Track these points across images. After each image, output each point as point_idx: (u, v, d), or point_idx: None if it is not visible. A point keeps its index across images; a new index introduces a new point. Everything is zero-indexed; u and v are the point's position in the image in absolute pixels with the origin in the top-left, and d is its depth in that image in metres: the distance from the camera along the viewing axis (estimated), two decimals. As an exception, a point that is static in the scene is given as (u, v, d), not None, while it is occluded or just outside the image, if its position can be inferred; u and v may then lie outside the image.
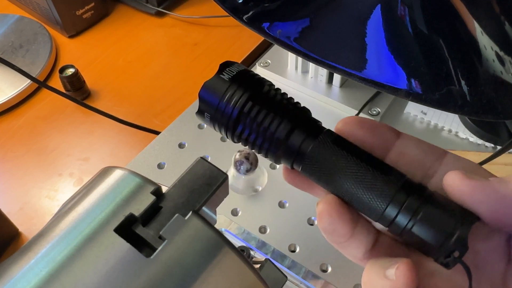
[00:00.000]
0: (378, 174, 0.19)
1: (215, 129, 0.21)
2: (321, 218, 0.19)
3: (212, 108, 0.21)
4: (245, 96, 0.20)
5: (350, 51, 0.20)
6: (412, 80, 0.20)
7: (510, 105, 0.21)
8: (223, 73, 0.21)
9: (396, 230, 0.18)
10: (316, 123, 0.21)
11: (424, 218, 0.18)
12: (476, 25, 0.21)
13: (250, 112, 0.20)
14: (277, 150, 0.20)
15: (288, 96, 0.21)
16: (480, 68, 0.21)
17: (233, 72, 0.21)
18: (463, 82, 0.20)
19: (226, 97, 0.20)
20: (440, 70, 0.20)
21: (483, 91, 0.20)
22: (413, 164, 0.20)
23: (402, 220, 0.18)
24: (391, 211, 0.18)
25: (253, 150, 0.22)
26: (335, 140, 0.20)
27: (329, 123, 0.21)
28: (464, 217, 0.17)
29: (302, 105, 0.21)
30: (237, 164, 0.42)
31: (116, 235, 0.17)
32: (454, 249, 0.17)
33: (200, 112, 0.21)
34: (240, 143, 0.21)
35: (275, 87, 0.21)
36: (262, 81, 0.21)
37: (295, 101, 0.21)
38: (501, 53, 0.21)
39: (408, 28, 0.20)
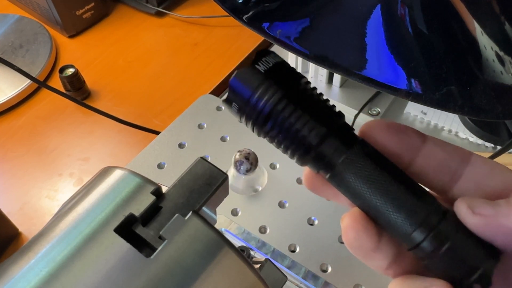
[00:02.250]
0: (410, 194, 0.18)
1: (240, 121, 0.20)
2: (346, 233, 0.19)
3: (242, 100, 0.19)
4: (280, 92, 0.19)
5: (350, 51, 0.20)
6: (412, 80, 0.20)
7: (510, 105, 0.21)
8: (259, 63, 0.19)
9: (420, 254, 0.18)
10: (350, 131, 0.19)
11: (452, 248, 0.17)
12: (476, 25, 0.21)
13: (284, 110, 0.19)
14: (306, 155, 0.19)
15: (324, 98, 0.20)
16: (480, 68, 0.21)
17: (269, 64, 0.19)
18: (463, 82, 0.20)
19: (259, 91, 0.19)
20: (440, 70, 0.20)
21: (483, 91, 0.20)
22: (440, 169, 0.19)
23: (428, 246, 0.17)
24: (418, 236, 0.17)
25: (278, 149, 0.20)
26: (370, 152, 0.19)
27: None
28: (491, 250, 0.17)
29: (337, 109, 0.20)
30: (237, 164, 0.42)
31: (116, 235, 0.17)
32: (477, 283, 0.17)
33: (227, 101, 0.20)
34: (264, 138, 0.20)
35: (311, 84, 0.20)
36: (298, 77, 0.20)
37: (331, 104, 0.20)
38: (501, 53, 0.21)
39: (408, 28, 0.20)
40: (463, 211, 0.17)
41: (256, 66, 0.19)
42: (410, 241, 0.18)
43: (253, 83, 0.19)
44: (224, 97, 0.20)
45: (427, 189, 0.19)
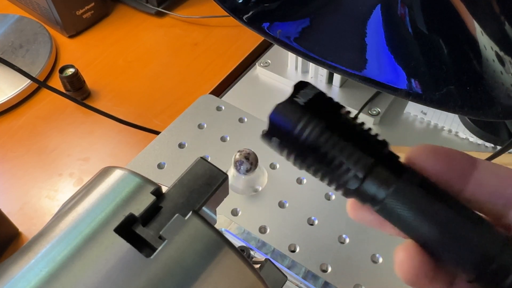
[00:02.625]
0: (468, 224, 0.17)
1: (281, 154, 0.20)
2: (402, 268, 0.18)
3: (283, 134, 0.19)
4: (322, 124, 0.18)
5: (350, 51, 0.20)
6: (412, 80, 0.20)
7: (510, 105, 0.21)
8: (297, 96, 0.19)
9: (482, 285, 0.17)
10: (397, 160, 0.19)
11: None
12: (476, 25, 0.21)
13: (327, 142, 0.18)
14: (351, 188, 0.18)
15: (366, 127, 0.19)
16: (480, 68, 0.21)
17: (309, 96, 0.19)
18: (463, 82, 0.20)
19: (301, 124, 0.18)
20: (440, 70, 0.20)
21: (483, 91, 0.20)
22: (494, 195, 0.18)
23: (491, 278, 0.17)
24: (480, 267, 0.17)
25: (322, 181, 0.20)
26: (420, 181, 0.18)
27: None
28: None
29: (381, 137, 0.19)
30: (237, 164, 0.42)
31: (116, 235, 0.17)
32: None
33: (267, 136, 0.19)
34: (307, 171, 0.20)
35: (350, 113, 0.19)
36: (338, 107, 0.19)
37: (373, 132, 0.19)
38: (501, 53, 0.21)
39: (408, 28, 0.20)
40: None
41: (295, 99, 0.19)
42: (471, 273, 0.17)
43: (293, 116, 0.18)
44: (263, 131, 0.19)
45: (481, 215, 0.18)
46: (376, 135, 0.19)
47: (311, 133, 0.18)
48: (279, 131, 0.19)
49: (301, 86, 0.19)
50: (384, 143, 0.19)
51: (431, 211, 0.17)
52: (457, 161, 0.19)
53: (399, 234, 0.19)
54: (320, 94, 0.19)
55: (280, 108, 0.19)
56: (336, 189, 0.19)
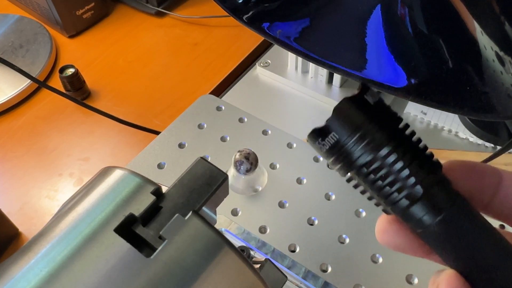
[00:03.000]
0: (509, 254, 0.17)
1: (327, 156, 0.18)
2: None
3: (345, 132, 0.17)
4: (385, 135, 0.17)
5: (350, 51, 0.20)
6: (412, 80, 0.20)
7: (510, 105, 0.21)
8: (367, 95, 0.18)
9: None
10: (450, 184, 0.18)
11: None
12: (476, 25, 0.21)
13: (387, 157, 0.17)
14: (400, 207, 0.18)
15: (423, 144, 0.18)
16: (480, 68, 0.21)
17: (375, 99, 0.18)
18: (463, 82, 0.20)
19: (367, 128, 0.17)
20: (440, 70, 0.20)
21: (483, 91, 0.20)
22: None
23: None
24: None
25: (364, 194, 0.19)
26: (471, 209, 0.17)
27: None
28: None
29: (434, 157, 0.18)
30: (237, 164, 0.42)
31: (116, 235, 0.17)
32: None
33: (323, 130, 0.18)
34: (355, 186, 0.19)
35: (409, 127, 0.18)
36: (399, 119, 0.18)
37: (429, 151, 0.18)
38: (501, 53, 0.21)
39: (408, 28, 0.20)
40: None
41: (366, 97, 0.18)
42: None
43: (361, 116, 0.17)
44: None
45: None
46: (432, 155, 0.18)
47: (370, 143, 0.17)
48: (338, 129, 0.17)
49: (365, 88, 0.18)
50: (439, 165, 0.18)
51: (481, 244, 0.17)
52: (487, 176, 0.18)
53: (436, 260, 0.19)
54: (382, 102, 0.18)
55: (346, 105, 0.17)
56: (379, 205, 0.18)
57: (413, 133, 0.18)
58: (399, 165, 0.17)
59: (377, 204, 0.19)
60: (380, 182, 0.18)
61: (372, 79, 0.20)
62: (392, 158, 0.17)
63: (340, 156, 0.18)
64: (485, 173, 0.19)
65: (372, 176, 0.18)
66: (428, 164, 0.18)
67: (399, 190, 0.17)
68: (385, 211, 0.19)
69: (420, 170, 0.17)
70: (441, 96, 0.20)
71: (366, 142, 0.17)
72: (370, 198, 0.19)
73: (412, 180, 0.17)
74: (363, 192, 0.19)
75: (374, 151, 0.17)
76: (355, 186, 0.19)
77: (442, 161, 0.18)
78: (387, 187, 0.18)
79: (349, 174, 0.18)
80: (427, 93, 0.20)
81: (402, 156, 0.17)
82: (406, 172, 0.17)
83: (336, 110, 0.18)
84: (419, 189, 0.17)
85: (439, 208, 0.17)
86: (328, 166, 0.47)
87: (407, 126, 0.18)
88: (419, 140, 0.18)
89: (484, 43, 0.21)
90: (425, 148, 0.18)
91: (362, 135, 0.17)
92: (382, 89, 0.20)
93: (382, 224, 0.19)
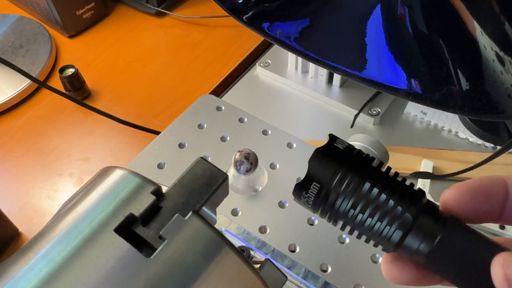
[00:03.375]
0: None
1: (313, 209, 0.19)
2: None
3: (322, 181, 0.18)
4: (361, 176, 0.18)
5: (350, 51, 0.20)
6: (412, 80, 0.20)
7: (510, 105, 0.21)
8: (336, 143, 0.19)
9: None
10: (437, 209, 0.18)
11: None
12: (476, 25, 0.21)
13: (368, 194, 0.18)
14: (394, 241, 0.18)
15: (400, 177, 0.19)
16: (480, 68, 0.21)
17: (344, 145, 0.19)
18: (463, 82, 0.20)
19: (341, 173, 0.18)
20: (440, 70, 0.20)
21: (483, 91, 0.20)
22: None
23: None
24: None
25: (360, 237, 0.19)
26: (464, 228, 0.18)
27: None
28: None
29: (416, 187, 0.19)
30: (237, 164, 0.42)
31: (116, 235, 0.17)
32: None
33: (303, 185, 0.18)
34: (346, 229, 0.19)
35: (383, 165, 0.19)
36: (371, 160, 0.19)
37: (408, 182, 0.19)
38: (501, 53, 0.21)
39: (408, 28, 0.20)
40: None
41: (335, 144, 0.18)
42: None
43: (334, 164, 0.18)
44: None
45: None
46: (412, 185, 0.19)
47: (350, 183, 0.18)
48: (318, 177, 0.18)
49: (333, 137, 0.19)
50: (422, 193, 0.18)
51: (481, 258, 0.17)
52: (493, 192, 0.18)
53: (447, 284, 0.18)
54: (352, 147, 0.19)
55: (320, 154, 0.18)
56: (377, 244, 0.19)
57: (388, 169, 0.19)
58: (382, 197, 0.18)
59: (375, 245, 0.19)
60: (370, 220, 0.18)
61: (372, 79, 0.20)
62: (374, 192, 0.18)
63: (326, 205, 0.18)
64: (491, 191, 0.18)
65: (361, 216, 0.18)
66: (410, 194, 0.18)
67: (390, 223, 0.18)
68: (384, 249, 0.19)
69: (404, 200, 0.18)
70: (441, 96, 0.20)
71: (346, 184, 0.18)
72: (367, 241, 0.19)
73: (399, 209, 0.18)
74: (359, 236, 0.19)
75: (356, 190, 0.18)
76: (351, 232, 0.19)
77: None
78: (378, 223, 0.18)
79: (341, 221, 0.19)
80: (427, 93, 0.20)
81: (383, 189, 0.18)
82: (391, 203, 0.18)
83: (312, 161, 0.18)
84: (408, 216, 0.18)
85: (433, 233, 0.17)
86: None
87: (381, 163, 0.19)
88: (396, 174, 0.19)
89: (484, 43, 0.21)
90: (403, 180, 0.19)
91: (341, 178, 0.18)
92: (383, 89, 0.20)
93: (386, 264, 0.19)
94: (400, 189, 0.18)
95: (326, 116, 0.59)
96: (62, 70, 0.61)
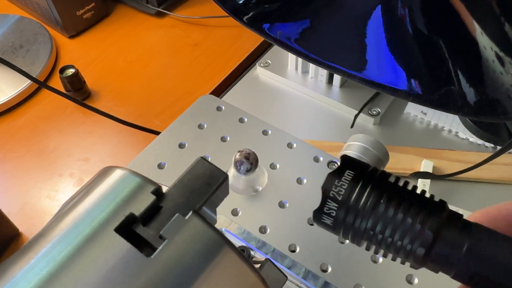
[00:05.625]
0: None
1: (337, 233, 0.19)
2: None
3: (340, 202, 0.18)
4: (375, 194, 0.17)
5: (350, 52, 0.20)
6: (412, 81, 0.20)
7: (510, 106, 0.21)
8: (348, 165, 0.18)
9: None
10: (462, 217, 0.18)
11: None
12: (476, 25, 0.21)
13: (386, 214, 0.17)
14: (420, 255, 0.17)
15: (419, 190, 0.18)
16: (480, 69, 0.21)
17: (359, 165, 0.18)
18: (463, 83, 0.20)
19: (358, 190, 0.18)
20: (440, 70, 0.20)
21: (483, 92, 0.20)
22: None
23: None
24: None
25: (386, 256, 0.19)
26: (491, 233, 0.17)
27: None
28: None
29: (435, 197, 0.18)
30: (237, 164, 0.42)
31: (117, 235, 0.17)
32: None
33: (321, 212, 0.18)
34: (370, 249, 0.19)
35: (400, 180, 0.19)
36: (388, 175, 0.18)
37: (428, 194, 0.18)
38: (501, 54, 0.21)
39: (408, 28, 0.20)
40: None
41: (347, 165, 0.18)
42: None
43: (351, 184, 0.18)
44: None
45: None
46: (432, 196, 0.18)
47: (366, 202, 0.17)
48: (335, 198, 0.18)
49: (346, 158, 0.19)
50: (443, 204, 0.18)
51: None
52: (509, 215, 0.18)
53: None
54: (366, 165, 0.19)
55: (333, 176, 0.18)
56: (404, 261, 0.18)
57: (406, 183, 0.18)
58: (400, 216, 0.17)
59: (402, 262, 0.19)
60: (391, 240, 0.18)
61: (372, 80, 0.20)
62: (391, 211, 0.17)
63: (346, 226, 0.18)
64: (510, 216, 0.18)
65: (380, 236, 0.18)
66: (430, 207, 0.18)
67: (411, 242, 0.17)
68: (412, 266, 0.19)
69: (423, 215, 0.17)
70: (441, 97, 0.20)
71: (362, 203, 0.18)
72: (394, 259, 0.19)
73: (418, 227, 0.17)
74: (385, 255, 0.19)
75: (373, 210, 0.17)
76: (376, 251, 0.19)
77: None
78: (399, 242, 0.18)
79: (364, 242, 0.18)
80: (427, 94, 0.20)
81: (400, 206, 0.17)
82: (409, 221, 0.17)
83: (325, 184, 0.18)
84: (428, 233, 0.17)
85: (459, 243, 0.17)
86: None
87: (398, 178, 0.18)
88: (415, 187, 0.18)
89: (484, 44, 0.21)
90: (423, 193, 0.18)
91: (356, 197, 0.18)
92: (383, 90, 0.20)
93: None
94: (419, 203, 0.18)
95: (326, 116, 0.59)
96: (62, 70, 0.61)
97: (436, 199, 0.18)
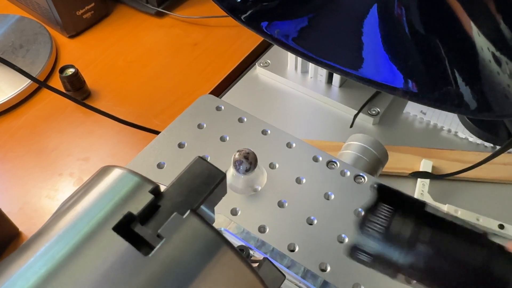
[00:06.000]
0: None
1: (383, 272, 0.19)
2: None
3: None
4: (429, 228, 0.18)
5: (347, 51, 0.20)
6: (409, 80, 0.20)
7: (506, 105, 0.21)
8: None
9: None
10: (493, 240, 0.18)
11: None
12: (473, 25, 0.21)
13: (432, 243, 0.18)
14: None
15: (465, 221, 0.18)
16: (477, 69, 0.21)
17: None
18: (459, 82, 0.20)
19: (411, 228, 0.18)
20: (436, 69, 0.20)
21: (479, 91, 0.20)
22: None
23: None
24: None
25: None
26: None
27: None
28: None
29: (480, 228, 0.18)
30: (236, 164, 0.42)
31: (115, 234, 0.17)
32: None
33: (355, 250, 0.18)
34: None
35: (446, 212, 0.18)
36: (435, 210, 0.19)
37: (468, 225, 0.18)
38: (498, 54, 0.21)
39: (405, 28, 0.20)
40: None
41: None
42: None
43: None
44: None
45: None
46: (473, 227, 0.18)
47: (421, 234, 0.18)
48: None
49: (381, 187, 0.19)
50: (486, 234, 0.18)
51: None
52: None
53: None
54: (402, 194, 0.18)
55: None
56: None
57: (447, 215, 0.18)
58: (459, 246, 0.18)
59: None
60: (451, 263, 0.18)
61: (369, 78, 0.20)
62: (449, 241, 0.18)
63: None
64: None
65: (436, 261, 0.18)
66: (484, 238, 0.18)
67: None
68: None
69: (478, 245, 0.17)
70: (438, 95, 0.20)
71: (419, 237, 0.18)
72: None
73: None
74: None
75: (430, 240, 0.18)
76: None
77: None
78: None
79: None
80: (424, 92, 0.20)
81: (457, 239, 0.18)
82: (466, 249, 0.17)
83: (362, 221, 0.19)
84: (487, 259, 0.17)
85: (504, 278, 0.17)
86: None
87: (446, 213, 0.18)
88: (456, 218, 0.18)
89: (481, 44, 0.21)
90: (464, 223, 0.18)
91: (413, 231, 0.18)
92: (380, 88, 0.20)
93: None
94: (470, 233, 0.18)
95: (325, 116, 0.59)
96: (62, 70, 0.61)
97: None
